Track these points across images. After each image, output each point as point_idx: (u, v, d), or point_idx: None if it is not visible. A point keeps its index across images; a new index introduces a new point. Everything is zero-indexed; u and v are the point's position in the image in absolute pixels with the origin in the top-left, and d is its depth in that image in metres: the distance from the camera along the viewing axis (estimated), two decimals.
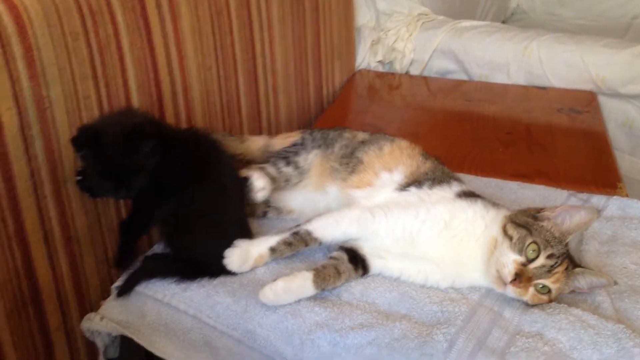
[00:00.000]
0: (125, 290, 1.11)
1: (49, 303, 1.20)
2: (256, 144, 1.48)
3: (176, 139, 1.14)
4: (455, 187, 1.20)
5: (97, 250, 1.30)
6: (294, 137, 1.42)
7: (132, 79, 1.31)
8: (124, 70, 1.29)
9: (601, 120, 2.10)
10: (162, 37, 1.38)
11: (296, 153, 1.34)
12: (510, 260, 1.03)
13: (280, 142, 1.43)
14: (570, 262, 1.05)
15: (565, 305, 1.04)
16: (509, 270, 1.03)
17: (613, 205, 1.39)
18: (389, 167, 1.24)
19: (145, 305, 1.13)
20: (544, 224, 1.07)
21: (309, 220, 1.16)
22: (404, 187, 1.20)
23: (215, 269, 1.11)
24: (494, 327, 1.00)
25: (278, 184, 1.29)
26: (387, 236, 1.13)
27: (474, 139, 1.93)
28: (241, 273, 1.12)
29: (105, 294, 1.24)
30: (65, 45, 1.13)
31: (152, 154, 1.07)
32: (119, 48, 1.26)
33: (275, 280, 1.05)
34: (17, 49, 1.03)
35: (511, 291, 1.04)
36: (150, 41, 1.35)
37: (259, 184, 1.22)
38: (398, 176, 1.22)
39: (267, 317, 1.04)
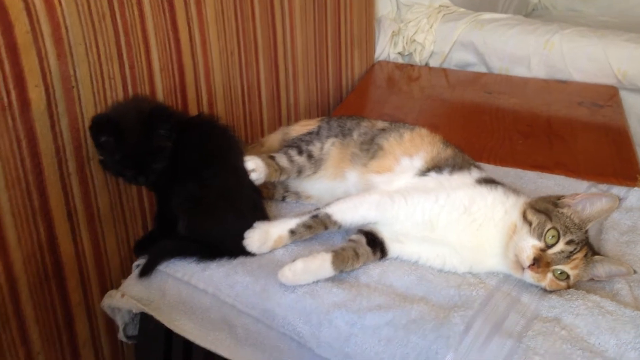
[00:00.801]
0: (147, 270, 1.12)
1: (71, 279, 1.22)
2: (274, 139, 1.47)
3: (187, 125, 1.15)
4: (475, 174, 1.20)
5: (119, 229, 1.32)
6: (311, 125, 1.42)
7: (156, 62, 1.33)
8: (148, 52, 1.30)
9: (622, 114, 2.08)
10: (186, 21, 1.40)
11: (309, 142, 1.33)
12: (529, 245, 1.04)
13: (298, 129, 1.43)
14: (589, 249, 1.05)
15: (584, 292, 1.04)
16: (527, 255, 1.03)
17: (633, 196, 1.38)
18: (409, 152, 1.24)
19: (165, 283, 1.14)
20: (564, 210, 1.07)
21: (328, 204, 1.16)
22: (424, 172, 1.20)
23: (235, 249, 1.12)
24: (511, 311, 1.00)
25: (290, 174, 1.29)
26: (406, 220, 1.13)
27: (493, 130, 1.92)
28: (260, 254, 1.13)
29: (125, 273, 1.26)
30: (92, 24, 1.14)
31: (169, 136, 1.09)
32: (144, 30, 1.28)
33: (294, 260, 1.05)
34: (45, 27, 1.05)
35: (529, 276, 1.04)
36: (174, 24, 1.36)
37: (249, 165, 1.20)
38: (418, 162, 1.22)
39: (285, 296, 1.05)
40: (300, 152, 1.30)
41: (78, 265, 1.23)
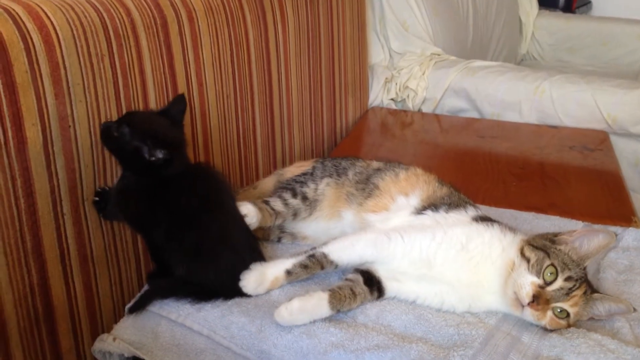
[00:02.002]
0: (137, 307, 1.10)
1: (62, 323, 1.20)
2: (268, 183, 1.48)
3: (185, 172, 1.15)
4: (472, 212, 1.20)
5: (112, 272, 1.30)
6: (306, 166, 1.42)
7: (153, 103, 1.34)
8: (145, 94, 1.31)
9: (614, 158, 2.10)
10: (183, 64, 1.41)
11: (303, 183, 1.33)
12: (528, 281, 1.03)
13: (292, 170, 1.43)
14: (588, 287, 1.05)
15: (584, 330, 1.03)
16: (526, 292, 1.02)
17: (629, 236, 1.38)
18: (405, 191, 1.25)
19: (159, 325, 1.12)
20: (562, 247, 1.08)
21: (325, 243, 1.16)
22: (421, 210, 1.20)
23: (231, 291, 1.11)
24: (512, 351, 0.98)
25: (285, 217, 1.28)
26: (403, 258, 1.12)
27: (487, 172, 1.93)
28: (256, 295, 1.12)
29: (117, 317, 1.24)
30: (90, 65, 1.15)
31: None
32: (142, 72, 1.29)
33: (290, 300, 1.04)
34: (44, 67, 1.06)
35: (529, 314, 1.03)
36: (171, 66, 1.38)
37: (241, 210, 1.19)
38: (414, 200, 1.23)
39: (282, 337, 1.02)
40: (294, 195, 1.30)
41: (69, 308, 1.21)
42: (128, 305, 1.15)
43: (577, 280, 1.03)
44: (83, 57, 1.14)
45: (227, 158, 1.64)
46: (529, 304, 1.02)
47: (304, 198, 1.29)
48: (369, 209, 1.25)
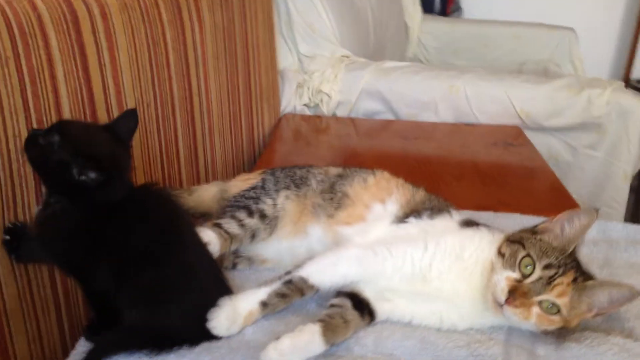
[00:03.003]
0: None
1: None
2: (208, 192, 1.29)
3: (131, 192, 0.94)
4: (456, 216, 1.09)
5: (30, 326, 1.05)
6: (253, 179, 1.25)
7: (67, 114, 1.10)
8: (58, 104, 1.08)
9: (536, 152, 2.10)
10: (99, 68, 1.19)
11: (257, 199, 1.16)
12: (503, 277, 0.92)
13: (239, 184, 1.26)
14: (580, 274, 0.93)
15: (603, 334, 0.93)
16: (501, 288, 0.91)
17: (593, 229, 1.32)
18: (379, 198, 1.11)
19: None
20: (543, 236, 0.97)
21: (299, 266, 0.99)
22: (402, 218, 1.07)
23: (196, 335, 0.91)
24: None
25: (242, 240, 1.11)
26: (393, 275, 0.99)
27: (423, 175, 1.85)
28: (228, 336, 0.93)
29: None
30: None
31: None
32: (53, 76, 1.06)
33: (278, 338, 0.86)
34: None
35: (510, 313, 0.91)
36: (85, 70, 1.15)
37: (204, 237, 1.02)
38: (392, 206, 1.09)
39: None
40: (250, 214, 1.12)
41: None
42: None
43: (559, 267, 0.91)
44: None
45: (150, 176, 1.42)
46: (506, 301, 0.90)
47: (262, 216, 1.12)
48: (342, 220, 1.10)
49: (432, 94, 2.45)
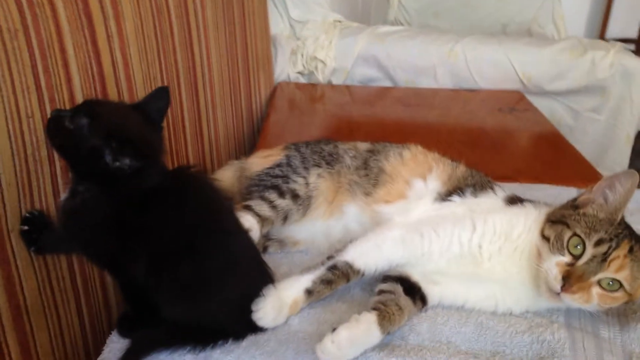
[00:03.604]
0: None
1: None
2: (225, 174, 1.22)
3: (167, 178, 0.85)
4: (500, 192, 1.03)
5: (51, 321, 0.97)
6: (275, 155, 1.18)
7: (78, 92, 1.01)
8: (69, 80, 0.98)
9: (543, 117, 2.06)
10: (107, 39, 1.09)
11: (287, 178, 1.09)
12: (553, 263, 0.86)
13: (259, 162, 1.18)
14: (636, 241, 0.86)
15: None
16: (554, 276, 0.85)
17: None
18: (420, 174, 1.05)
19: None
20: (587, 209, 0.90)
21: (342, 250, 0.93)
22: (445, 196, 1.01)
23: (241, 328, 0.85)
24: (604, 353, 0.83)
25: (274, 222, 1.04)
26: (441, 257, 0.93)
27: (436, 145, 1.77)
28: (274, 327, 0.87)
29: None
30: (2, 44, 0.82)
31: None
32: (63, 50, 0.96)
33: (335, 330, 0.80)
34: None
35: (570, 300, 0.85)
36: (94, 43, 1.05)
37: (245, 223, 0.96)
38: (434, 183, 1.03)
39: None
40: (281, 194, 1.05)
41: None
42: None
43: (611, 240, 0.84)
44: None
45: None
46: (562, 289, 0.84)
47: (295, 196, 1.05)
48: (381, 198, 1.03)
49: (431, 59, 2.39)
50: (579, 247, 0.86)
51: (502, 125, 1.96)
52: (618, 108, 2.26)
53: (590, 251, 0.85)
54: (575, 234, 0.86)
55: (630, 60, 2.23)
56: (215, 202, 0.86)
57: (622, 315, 0.90)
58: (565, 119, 2.37)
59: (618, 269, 0.84)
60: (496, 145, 1.77)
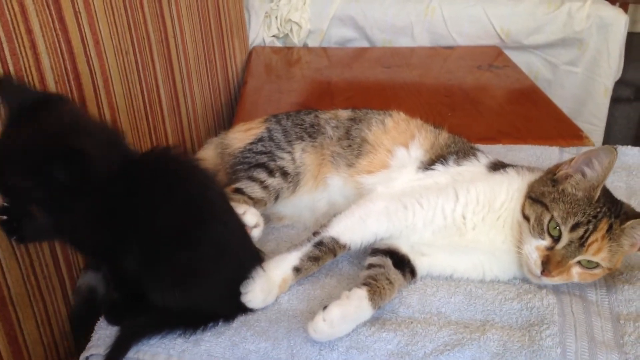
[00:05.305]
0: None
1: None
2: (207, 154, 1.20)
3: (145, 169, 0.82)
4: (483, 159, 1.03)
5: (37, 310, 0.96)
6: (255, 128, 1.15)
7: (49, 73, 0.97)
8: (38, 62, 0.94)
9: (522, 73, 2.05)
10: (74, 15, 1.05)
11: (273, 155, 1.07)
12: (533, 247, 0.87)
13: (240, 136, 1.16)
14: (615, 217, 0.86)
15: None
16: (534, 260, 0.87)
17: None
18: (402, 141, 1.04)
19: None
20: (565, 186, 0.89)
21: (327, 226, 0.93)
22: (428, 165, 1.00)
23: (230, 309, 0.84)
24: (592, 316, 0.84)
25: (267, 203, 1.03)
26: (425, 228, 0.93)
27: (416, 106, 1.77)
28: (264, 307, 0.86)
29: None
30: None
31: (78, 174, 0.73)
32: (29, 30, 0.92)
33: (326, 307, 0.80)
34: None
35: (549, 282, 0.88)
36: (62, 20, 1.01)
37: (251, 220, 0.94)
38: (417, 151, 1.02)
39: (324, 357, 0.79)
40: (270, 173, 1.03)
41: None
42: (87, 354, 0.83)
43: (588, 222, 0.85)
44: None
45: (137, 130, 1.31)
46: (541, 273, 0.86)
47: (284, 174, 1.03)
48: (363, 169, 1.03)
49: (408, 17, 2.35)
50: (557, 229, 0.86)
51: (481, 83, 1.95)
52: (595, 61, 2.25)
53: (566, 237, 0.85)
54: (552, 218, 0.86)
55: (607, 11, 2.22)
56: (202, 185, 0.84)
57: (608, 277, 0.91)
58: (543, 73, 2.37)
59: (596, 252, 0.85)
60: (476, 105, 1.76)
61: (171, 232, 0.78)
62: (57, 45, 1.00)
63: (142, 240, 0.78)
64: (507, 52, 2.29)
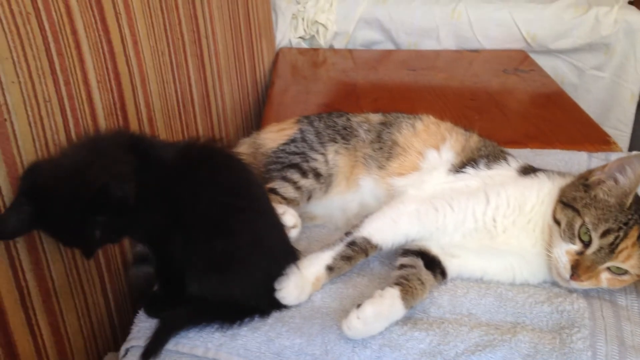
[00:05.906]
0: (152, 351, 0.82)
1: None
2: (241, 151, 1.22)
3: (189, 159, 0.86)
4: (513, 162, 1.04)
5: (78, 302, 0.99)
6: (288, 129, 1.18)
7: (92, 72, 1.00)
8: (82, 62, 0.97)
9: (549, 77, 2.05)
10: (115, 16, 1.08)
11: (306, 156, 1.09)
12: (563, 251, 0.88)
13: (273, 137, 1.18)
14: None
15: None
16: (563, 265, 0.88)
17: None
18: (433, 144, 1.05)
19: None
20: (597, 192, 0.90)
21: (359, 226, 0.95)
22: (459, 168, 1.02)
23: (265, 304, 0.87)
24: (622, 320, 0.85)
25: (300, 203, 1.06)
26: (455, 231, 0.95)
27: (442, 110, 1.78)
28: (298, 304, 0.88)
29: (91, 358, 0.96)
30: (16, 28, 0.81)
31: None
32: (74, 31, 0.95)
33: (359, 305, 0.82)
34: None
35: (578, 287, 0.89)
36: (103, 21, 1.04)
37: (290, 220, 0.97)
38: (448, 154, 1.04)
39: (358, 355, 0.81)
40: (304, 174, 1.05)
41: None
42: (128, 346, 0.86)
43: (619, 229, 0.85)
44: (5, 18, 0.79)
45: (171, 129, 1.34)
46: (571, 277, 0.87)
47: (317, 175, 1.06)
48: (394, 171, 1.04)
49: (434, 19, 2.36)
50: (587, 235, 0.87)
51: (507, 86, 1.95)
52: (622, 66, 2.24)
53: (596, 243, 0.86)
54: (584, 224, 0.87)
55: (634, 16, 2.21)
56: (246, 179, 0.87)
57: (638, 283, 0.91)
58: (569, 78, 2.36)
59: (626, 259, 0.86)
60: (502, 109, 1.77)
61: (211, 219, 0.81)
62: (100, 45, 1.03)
63: (184, 227, 0.80)
64: (533, 56, 2.29)
